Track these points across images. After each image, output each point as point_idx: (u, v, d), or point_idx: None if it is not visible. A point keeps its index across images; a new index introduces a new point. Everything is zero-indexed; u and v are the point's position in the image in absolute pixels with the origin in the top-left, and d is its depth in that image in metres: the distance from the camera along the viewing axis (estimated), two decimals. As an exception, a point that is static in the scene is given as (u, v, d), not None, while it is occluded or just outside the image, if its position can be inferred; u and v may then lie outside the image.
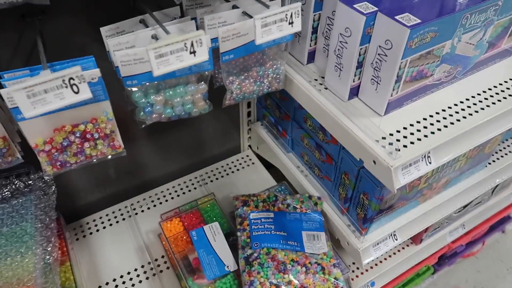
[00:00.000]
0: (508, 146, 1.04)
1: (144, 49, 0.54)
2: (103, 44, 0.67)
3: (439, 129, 0.68)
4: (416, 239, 1.05)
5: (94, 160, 0.64)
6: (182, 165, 1.07)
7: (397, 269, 1.05)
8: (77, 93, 0.50)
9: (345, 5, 0.64)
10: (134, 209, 1.00)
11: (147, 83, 0.64)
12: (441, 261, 1.42)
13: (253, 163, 1.12)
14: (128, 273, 0.87)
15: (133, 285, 0.85)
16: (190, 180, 1.07)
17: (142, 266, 0.88)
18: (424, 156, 0.67)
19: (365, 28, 0.63)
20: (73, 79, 0.49)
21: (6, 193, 0.67)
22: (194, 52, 0.56)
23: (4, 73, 0.55)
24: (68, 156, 0.61)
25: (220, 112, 1.02)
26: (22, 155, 0.65)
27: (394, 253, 1.04)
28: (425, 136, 0.67)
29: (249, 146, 1.16)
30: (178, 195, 1.03)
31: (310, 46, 0.80)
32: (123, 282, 0.86)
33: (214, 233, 0.83)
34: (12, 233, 0.62)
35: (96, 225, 0.97)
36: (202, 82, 0.67)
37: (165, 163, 1.04)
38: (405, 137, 0.67)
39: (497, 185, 1.05)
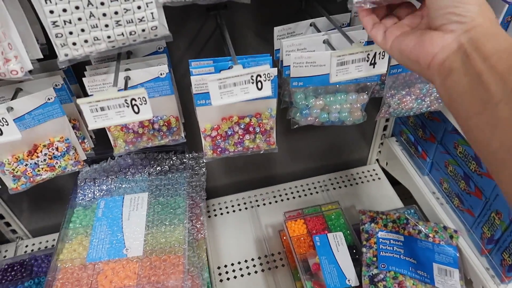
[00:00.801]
0: None
1: (328, 54, 0.54)
2: (268, 43, 0.70)
3: None
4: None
5: (249, 152, 0.67)
6: (307, 167, 1.08)
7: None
8: (260, 89, 0.53)
9: None
10: (257, 201, 1.03)
11: (310, 87, 0.65)
12: None
13: (379, 178, 1.08)
14: (246, 261, 0.91)
15: (249, 273, 0.88)
16: (313, 183, 1.07)
17: (259, 258, 0.91)
18: None
19: (505, 15, 0.57)
20: (260, 76, 0.52)
21: (165, 166, 0.74)
22: (374, 64, 0.55)
23: (192, 61, 0.60)
24: (229, 144, 0.65)
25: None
26: (184, 135, 0.71)
27: (527, 310, 0.92)
28: None
29: (377, 160, 1.12)
30: (299, 196, 1.04)
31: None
32: (240, 269, 0.89)
33: (337, 243, 0.82)
34: (167, 203, 0.69)
35: (220, 209, 1.02)
36: (366, 93, 0.66)
37: (291, 163, 1.05)
38: None
39: None
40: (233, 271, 0.89)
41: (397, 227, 0.83)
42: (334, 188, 1.06)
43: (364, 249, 0.79)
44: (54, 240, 0.98)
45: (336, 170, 1.10)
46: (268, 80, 0.52)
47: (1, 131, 0.49)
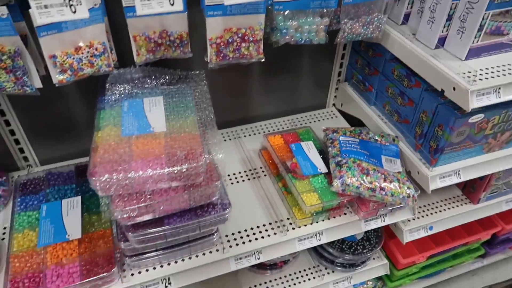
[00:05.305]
0: None
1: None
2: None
3: (510, 73, 0.86)
4: (474, 198, 1.19)
5: (244, 61, 0.88)
6: (278, 110, 1.30)
7: (453, 221, 1.18)
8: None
9: (445, -32, 0.85)
10: (238, 134, 1.23)
11: (288, 11, 0.88)
12: (492, 244, 1.51)
13: (336, 117, 1.33)
14: (233, 174, 1.10)
15: (237, 182, 1.07)
16: (284, 121, 1.29)
17: (245, 171, 1.11)
18: (495, 90, 0.85)
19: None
20: (259, -17, 0.74)
21: (175, 78, 0.93)
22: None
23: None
24: (229, 50, 0.86)
25: (315, 69, 1.24)
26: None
27: (453, 207, 1.18)
28: (498, 76, 0.85)
29: (333, 104, 1.37)
30: (273, 130, 1.26)
31: (407, 9, 1.00)
32: (230, 179, 1.08)
33: (309, 148, 1.04)
34: (180, 102, 0.87)
35: (208, 141, 1.21)
36: (326, 17, 0.90)
37: (265, 105, 1.27)
38: (481, 75, 0.85)
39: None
40: (230, 179, 1.08)
41: (354, 134, 1.07)
42: (301, 124, 1.28)
43: (329, 149, 1.02)
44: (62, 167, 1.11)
45: (300, 112, 1.33)
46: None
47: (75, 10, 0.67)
